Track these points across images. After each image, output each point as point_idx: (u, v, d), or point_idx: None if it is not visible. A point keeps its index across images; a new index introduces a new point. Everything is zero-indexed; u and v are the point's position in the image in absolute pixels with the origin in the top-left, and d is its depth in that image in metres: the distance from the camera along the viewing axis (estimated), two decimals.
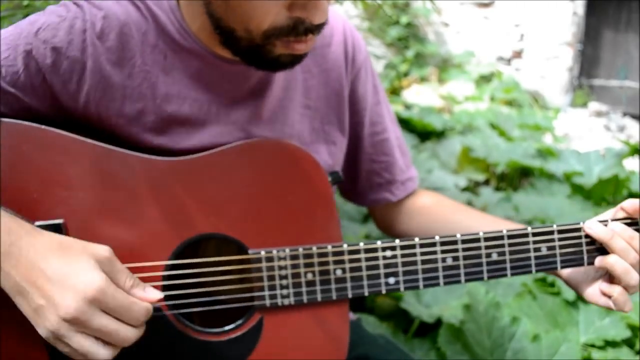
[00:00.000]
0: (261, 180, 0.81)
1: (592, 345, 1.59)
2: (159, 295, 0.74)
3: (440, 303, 1.72)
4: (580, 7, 5.58)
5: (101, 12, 0.81)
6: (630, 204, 0.85)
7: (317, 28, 0.76)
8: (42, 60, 0.78)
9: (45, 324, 0.68)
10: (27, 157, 0.75)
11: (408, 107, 4.43)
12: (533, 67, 5.70)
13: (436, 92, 5.12)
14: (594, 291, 0.87)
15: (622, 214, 0.86)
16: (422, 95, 4.94)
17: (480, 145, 3.09)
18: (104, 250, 0.72)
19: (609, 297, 0.84)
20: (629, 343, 1.61)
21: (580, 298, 1.67)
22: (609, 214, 0.88)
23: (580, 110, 5.53)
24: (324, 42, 0.96)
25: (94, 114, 0.82)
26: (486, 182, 3.04)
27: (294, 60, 0.80)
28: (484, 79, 5.56)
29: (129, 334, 0.71)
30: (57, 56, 0.79)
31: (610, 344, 1.59)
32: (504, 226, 0.88)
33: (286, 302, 0.81)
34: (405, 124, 3.50)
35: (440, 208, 1.08)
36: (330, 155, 0.97)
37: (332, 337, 0.84)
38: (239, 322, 0.82)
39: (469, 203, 2.38)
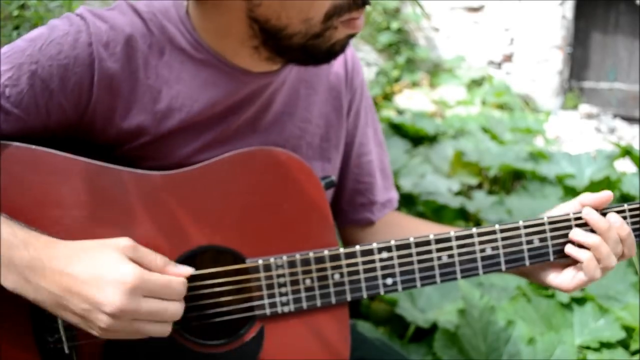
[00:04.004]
0: (255, 190, 0.81)
1: (587, 347, 1.60)
2: (191, 269, 0.76)
3: (435, 308, 1.72)
4: (569, 11, 5.63)
5: (106, 24, 0.79)
6: (588, 199, 0.86)
7: None
8: (48, 79, 0.76)
9: (98, 324, 0.69)
10: (19, 179, 0.74)
11: (400, 112, 4.44)
12: (523, 71, 5.73)
13: (428, 97, 5.14)
14: (560, 275, 0.87)
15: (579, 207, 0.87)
16: (413, 101, 4.95)
17: (473, 149, 3.10)
18: (124, 240, 0.72)
19: (579, 262, 0.84)
20: (623, 344, 1.62)
21: (574, 300, 1.69)
22: (568, 206, 0.88)
23: (571, 113, 5.56)
24: None
25: (98, 128, 0.81)
26: (479, 186, 3.04)
27: (344, 45, 0.83)
28: (475, 83, 5.58)
29: (177, 308, 0.73)
30: (64, 73, 0.76)
31: (605, 345, 1.59)
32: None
33: (286, 309, 0.81)
34: (398, 129, 3.50)
35: (409, 222, 1.09)
36: (323, 172, 0.96)
37: (334, 342, 0.84)
38: (240, 332, 0.81)
39: (463, 207, 2.38)
